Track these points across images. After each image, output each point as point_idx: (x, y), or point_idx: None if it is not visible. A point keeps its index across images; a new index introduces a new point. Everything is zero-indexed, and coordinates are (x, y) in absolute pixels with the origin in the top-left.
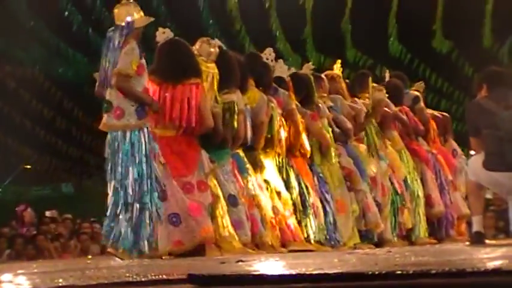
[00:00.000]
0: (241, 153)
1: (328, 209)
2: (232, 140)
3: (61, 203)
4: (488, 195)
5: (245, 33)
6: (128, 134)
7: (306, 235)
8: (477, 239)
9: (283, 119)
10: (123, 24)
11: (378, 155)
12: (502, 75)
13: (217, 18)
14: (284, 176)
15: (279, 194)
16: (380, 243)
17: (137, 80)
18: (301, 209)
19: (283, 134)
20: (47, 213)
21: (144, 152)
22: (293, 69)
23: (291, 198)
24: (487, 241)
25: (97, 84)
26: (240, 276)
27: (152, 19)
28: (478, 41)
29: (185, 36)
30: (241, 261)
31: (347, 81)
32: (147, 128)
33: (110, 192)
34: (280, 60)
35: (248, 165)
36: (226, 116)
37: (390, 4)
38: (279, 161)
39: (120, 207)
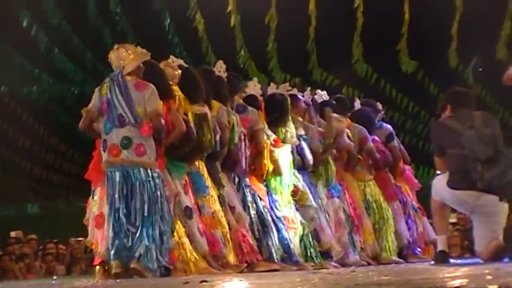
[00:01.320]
0: (201, 168)
1: (280, 225)
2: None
3: (26, 223)
4: (453, 219)
5: (211, 53)
6: (146, 170)
7: (267, 254)
8: (441, 258)
9: (246, 140)
10: (128, 69)
11: (330, 190)
12: (466, 95)
13: (183, 37)
14: (241, 195)
15: (232, 208)
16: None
17: None
18: (260, 228)
19: (246, 153)
20: (12, 234)
21: (161, 186)
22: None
23: (248, 216)
24: (451, 260)
25: (85, 119)
26: None
27: (148, 54)
28: (444, 61)
29: (151, 55)
30: (205, 281)
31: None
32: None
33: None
34: (255, 78)
35: (209, 183)
36: (203, 127)
37: (355, 24)
38: (236, 178)
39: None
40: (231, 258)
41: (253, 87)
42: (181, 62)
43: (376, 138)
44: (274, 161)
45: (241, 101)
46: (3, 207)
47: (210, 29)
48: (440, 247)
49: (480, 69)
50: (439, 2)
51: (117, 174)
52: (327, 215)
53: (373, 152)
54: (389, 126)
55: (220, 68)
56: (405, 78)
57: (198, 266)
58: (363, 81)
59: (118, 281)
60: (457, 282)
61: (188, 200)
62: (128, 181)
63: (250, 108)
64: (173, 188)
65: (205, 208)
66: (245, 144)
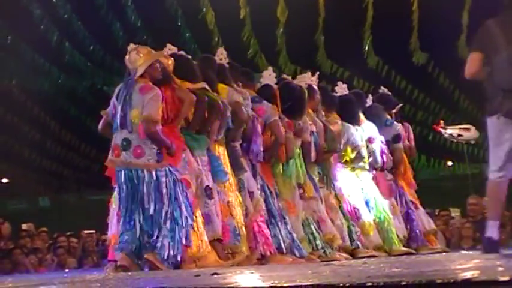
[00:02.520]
0: (222, 152)
1: (287, 217)
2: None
3: (38, 216)
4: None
5: (221, 45)
6: (152, 172)
7: (276, 245)
8: (490, 246)
9: (259, 126)
10: (138, 73)
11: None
12: None
13: (194, 31)
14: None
15: (251, 194)
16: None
17: None
18: (267, 218)
19: (259, 138)
20: (24, 226)
21: (172, 184)
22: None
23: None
24: (463, 251)
25: (103, 121)
26: None
27: (158, 54)
28: (454, 51)
29: (162, 48)
30: (216, 274)
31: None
32: (168, 167)
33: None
34: (270, 68)
35: (228, 169)
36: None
37: (365, 16)
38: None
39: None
40: (244, 249)
41: (268, 77)
42: (174, 49)
43: (382, 139)
44: (290, 143)
45: (254, 93)
46: (15, 200)
47: (221, 23)
48: (489, 233)
49: None
50: None
51: (122, 173)
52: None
53: (375, 154)
54: (399, 126)
55: (221, 56)
56: (416, 70)
57: (209, 259)
58: (374, 73)
59: (130, 273)
60: (468, 274)
61: (208, 180)
62: (131, 180)
63: (265, 101)
64: (195, 167)
65: (221, 195)
66: (258, 130)
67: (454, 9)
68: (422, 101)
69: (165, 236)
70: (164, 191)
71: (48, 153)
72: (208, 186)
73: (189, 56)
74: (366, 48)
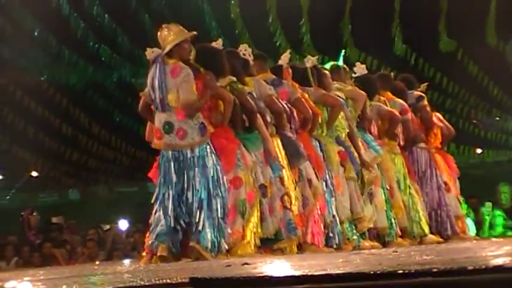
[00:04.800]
0: (276, 143)
1: (330, 186)
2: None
3: (68, 209)
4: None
5: (247, 35)
6: (196, 150)
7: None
8: None
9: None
10: (166, 50)
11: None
12: None
13: (219, 21)
14: None
15: (310, 181)
16: (381, 240)
17: None
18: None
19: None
20: (54, 220)
21: (215, 162)
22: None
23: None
24: (493, 238)
25: (142, 102)
26: (241, 278)
27: (189, 34)
28: (483, 39)
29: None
30: (247, 263)
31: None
32: (209, 142)
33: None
34: (288, 50)
35: (281, 158)
36: (234, 94)
37: (392, 4)
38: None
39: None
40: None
41: (283, 58)
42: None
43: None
44: (326, 98)
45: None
46: (45, 193)
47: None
48: None
49: None
50: None
51: (170, 153)
52: None
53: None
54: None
55: (245, 52)
56: (444, 58)
57: (245, 250)
58: (402, 61)
59: (160, 264)
60: (500, 261)
61: (263, 177)
62: (177, 160)
63: (284, 80)
64: (249, 161)
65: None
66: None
67: None
68: (452, 89)
69: (207, 223)
70: (208, 166)
71: (77, 146)
72: (262, 184)
73: (221, 48)
74: (395, 37)
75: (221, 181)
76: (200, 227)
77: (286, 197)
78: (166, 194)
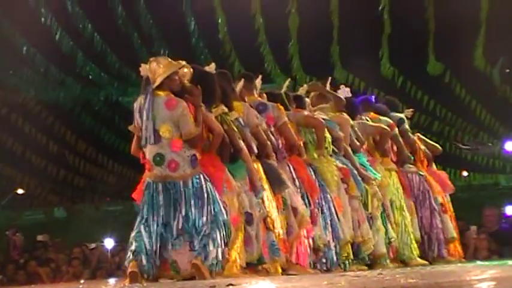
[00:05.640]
0: (256, 167)
1: (325, 210)
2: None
3: (53, 227)
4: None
5: (235, 56)
6: (189, 182)
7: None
8: None
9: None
10: (156, 83)
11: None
12: None
13: (207, 42)
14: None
15: (295, 210)
16: (372, 263)
17: None
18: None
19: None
20: (39, 238)
21: (211, 189)
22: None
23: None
24: (478, 262)
25: (135, 141)
26: None
27: (178, 65)
28: (470, 62)
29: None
30: (231, 285)
31: None
32: (203, 174)
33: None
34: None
35: (265, 184)
36: (224, 127)
37: (381, 26)
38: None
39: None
40: (280, 263)
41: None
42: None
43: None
44: (310, 121)
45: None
46: (31, 211)
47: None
48: None
49: (507, 70)
50: (464, 3)
51: (159, 184)
52: None
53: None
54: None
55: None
56: (432, 80)
57: (230, 270)
58: (389, 83)
59: (145, 284)
60: (484, 285)
61: (249, 203)
62: (168, 191)
63: (269, 104)
64: (234, 186)
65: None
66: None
67: (471, 19)
68: (439, 111)
69: (208, 241)
70: (205, 195)
71: (64, 164)
72: (248, 212)
73: (213, 72)
74: (382, 59)
75: (220, 207)
76: (203, 245)
77: (268, 219)
78: (151, 219)
